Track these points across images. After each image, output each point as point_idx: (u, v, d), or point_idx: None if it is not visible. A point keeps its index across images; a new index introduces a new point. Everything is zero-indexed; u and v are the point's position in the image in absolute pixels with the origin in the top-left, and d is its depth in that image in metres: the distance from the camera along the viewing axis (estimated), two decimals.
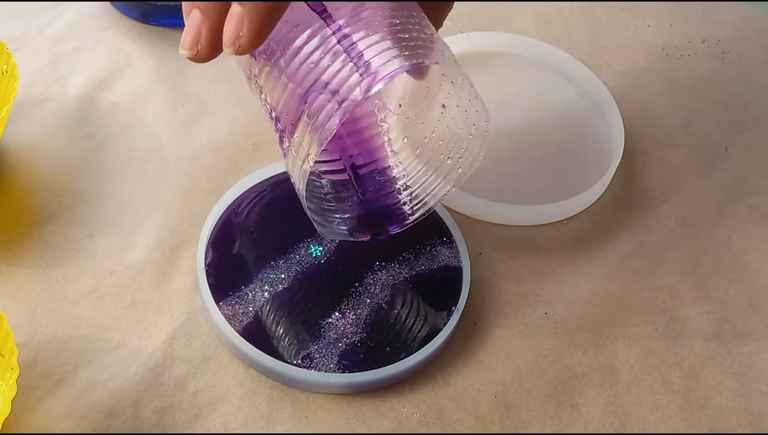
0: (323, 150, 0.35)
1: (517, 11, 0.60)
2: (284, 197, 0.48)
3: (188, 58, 0.35)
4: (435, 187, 0.43)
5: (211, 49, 0.35)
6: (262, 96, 0.38)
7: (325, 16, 0.36)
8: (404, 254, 0.47)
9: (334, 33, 0.35)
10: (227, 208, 0.47)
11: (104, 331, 0.44)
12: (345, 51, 0.35)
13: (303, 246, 0.46)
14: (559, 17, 0.60)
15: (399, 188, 0.43)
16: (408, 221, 0.43)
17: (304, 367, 0.43)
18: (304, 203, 0.39)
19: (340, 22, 0.36)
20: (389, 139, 0.43)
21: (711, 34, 0.61)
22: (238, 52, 0.34)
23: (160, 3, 0.55)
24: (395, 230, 0.43)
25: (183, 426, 0.42)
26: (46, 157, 0.49)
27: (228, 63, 0.38)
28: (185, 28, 0.35)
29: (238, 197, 0.48)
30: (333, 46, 0.35)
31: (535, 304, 0.47)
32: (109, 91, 0.52)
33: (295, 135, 0.36)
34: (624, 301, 0.48)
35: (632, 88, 0.57)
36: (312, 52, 0.35)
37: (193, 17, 0.35)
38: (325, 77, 0.35)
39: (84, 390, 0.42)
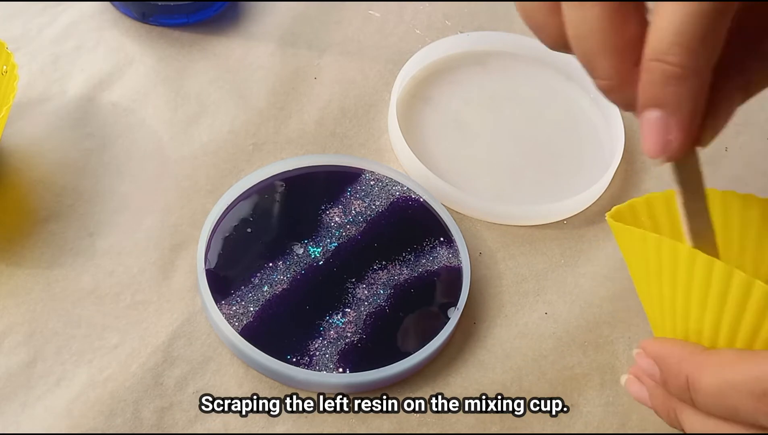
0: None
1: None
2: (284, 197, 0.48)
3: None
4: None
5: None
6: None
7: None
8: (404, 254, 0.47)
9: None
10: (227, 208, 0.47)
11: (104, 330, 0.44)
12: None
13: (302, 246, 0.46)
14: None
15: None
16: None
17: (304, 367, 0.43)
18: None
19: None
20: None
21: None
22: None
23: (160, 3, 0.54)
24: None
25: (183, 426, 0.42)
26: (46, 157, 0.49)
27: None
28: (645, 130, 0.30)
29: (237, 197, 0.48)
30: None
31: (535, 304, 0.47)
32: (109, 91, 0.52)
33: None
34: (624, 301, 0.48)
35: None
36: None
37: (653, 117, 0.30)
38: None
39: (83, 390, 0.42)
